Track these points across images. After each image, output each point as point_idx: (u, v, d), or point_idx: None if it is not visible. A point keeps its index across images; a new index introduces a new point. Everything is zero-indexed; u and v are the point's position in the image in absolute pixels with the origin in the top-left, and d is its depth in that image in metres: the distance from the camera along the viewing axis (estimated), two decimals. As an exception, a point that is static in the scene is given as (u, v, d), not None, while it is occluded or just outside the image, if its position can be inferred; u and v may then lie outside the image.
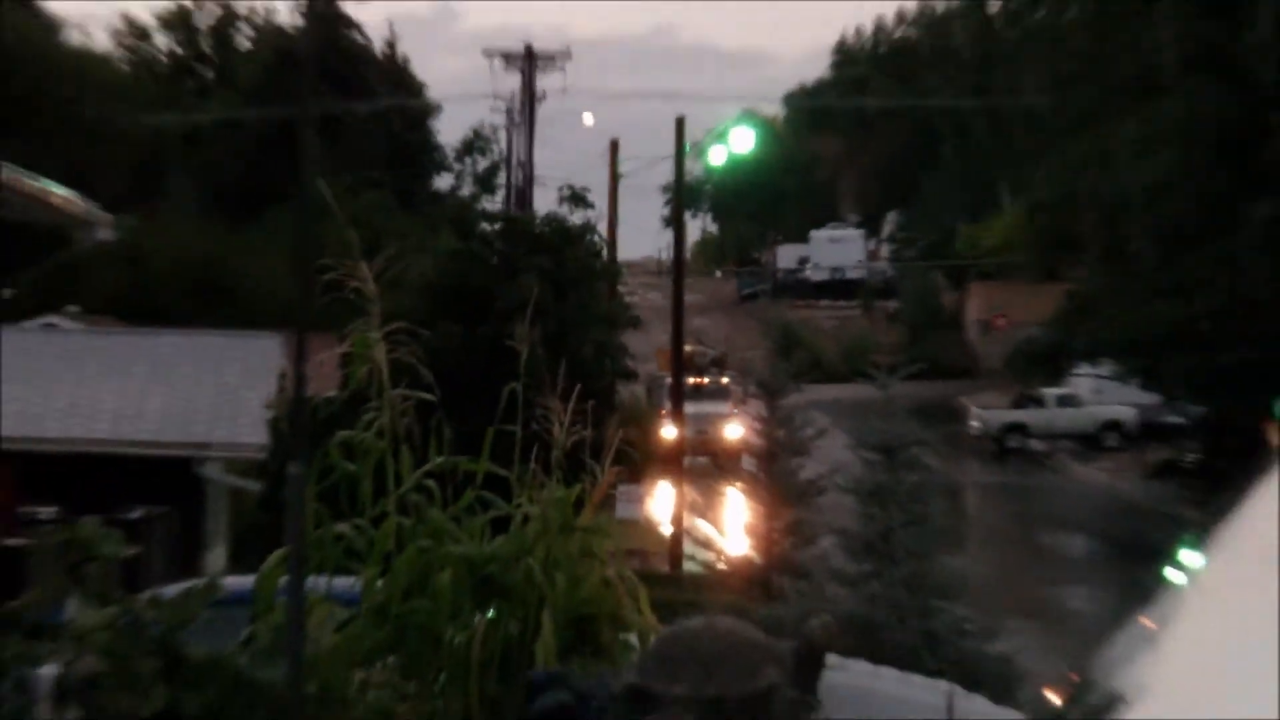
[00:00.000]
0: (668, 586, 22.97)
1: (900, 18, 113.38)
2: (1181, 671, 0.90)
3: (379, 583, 9.15)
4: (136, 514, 22.42)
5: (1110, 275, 53.80)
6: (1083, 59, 55.80)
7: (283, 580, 8.77)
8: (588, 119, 67.54)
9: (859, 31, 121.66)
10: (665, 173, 42.37)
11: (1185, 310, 47.98)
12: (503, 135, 50.80)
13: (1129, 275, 51.70)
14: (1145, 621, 0.87)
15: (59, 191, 22.88)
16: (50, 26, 51.57)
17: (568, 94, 67.50)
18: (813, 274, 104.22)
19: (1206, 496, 40.72)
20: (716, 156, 59.28)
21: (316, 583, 8.77)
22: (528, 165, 47.48)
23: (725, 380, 61.85)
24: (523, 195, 43.80)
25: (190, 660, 8.60)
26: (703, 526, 39.18)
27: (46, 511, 20.53)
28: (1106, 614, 30.83)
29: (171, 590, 9.78)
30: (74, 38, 53.86)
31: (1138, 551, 38.41)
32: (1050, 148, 62.23)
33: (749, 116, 67.43)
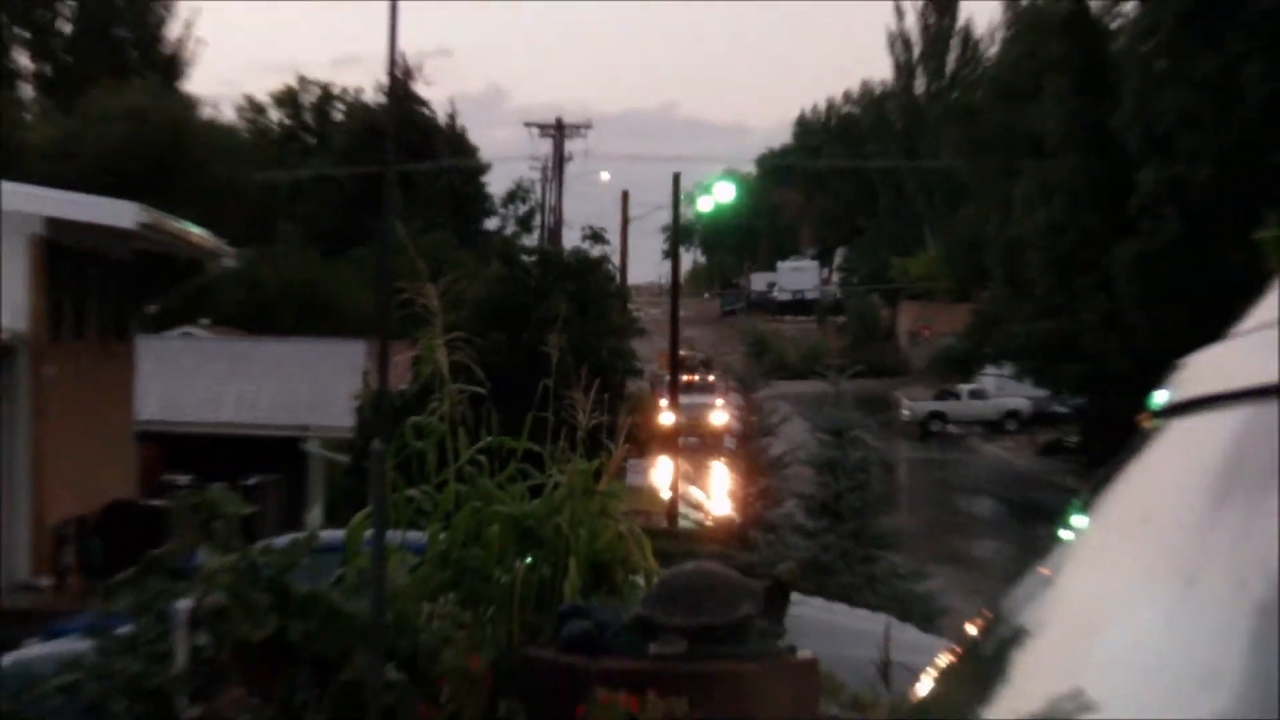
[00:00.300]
0: (666, 539, 22.91)
1: (846, 97, 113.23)
2: (1070, 609, 0.92)
3: (441, 535, 9.12)
4: (253, 481, 22.46)
5: (1010, 297, 54.01)
6: (988, 130, 56.03)
7: (366, 533, 8.80)
8: (604, 176, 67.37)
9: (815, 108, 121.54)
10: (665, 216, 42.41)
11: (1069, 326, 48.43)
12: (538, 188, 50.82)
13: (1025, 298, 51.96)
14: (1041, 569, 0.88)
15: (194, 230, 22.99)
16: (189, 104, 52.06)
17: (589, 156, 67.63)
18: (778, 295, 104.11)
19: (1086, 470, 40.70)
20: (705, 204, 59.19)
21: (393, 535, 8.79)
22: (558, 211, 47.44)
23: (711, 378, 61.76)
24: (554, 234, 43.72)
25: (295, 595, 8.61)
26: (694, 492, 39.13)
27: (183, 479, 20.54)
28: (1009, 563, 30.81)
29: (280, 540, 9.80)
30: (207, 113, 54.29)
31: (1032, 513, 38.31)
32: (964, 199, 62.88)
33: (730, 174, 67.63)
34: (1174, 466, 0.92)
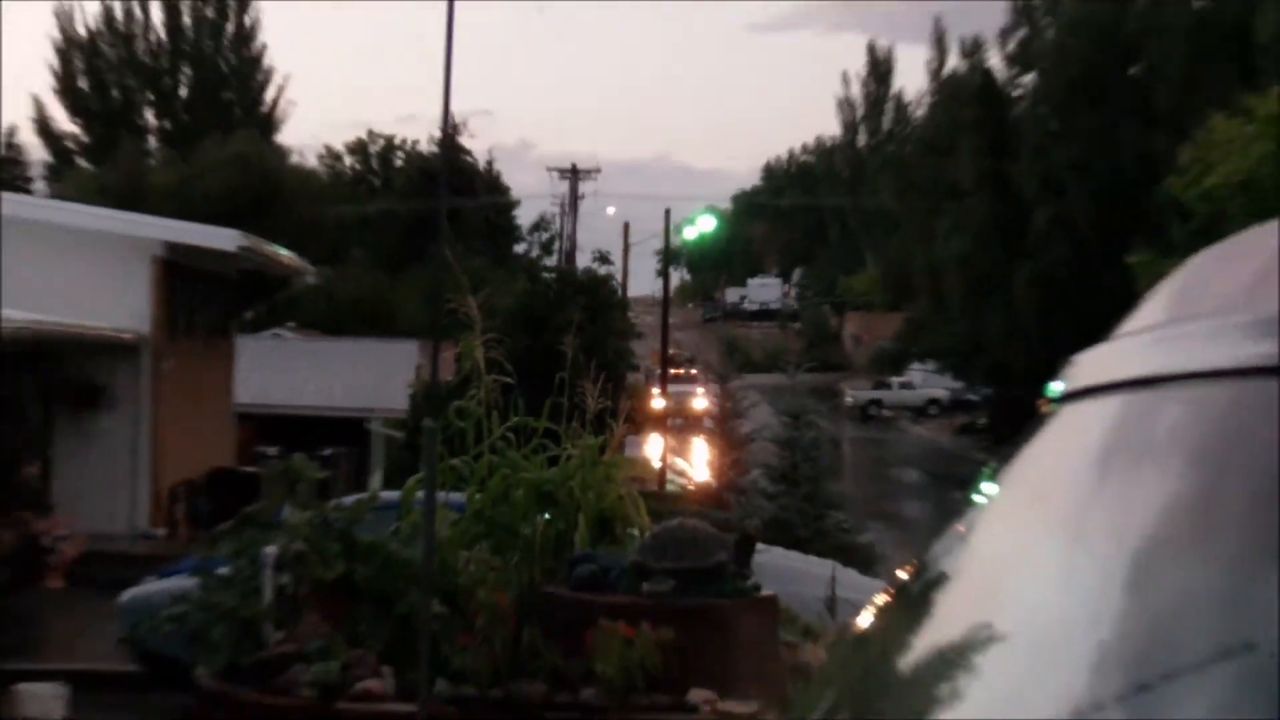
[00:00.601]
0: (657, 500, 22.84)
1: (804, 149, 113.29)
2: (981, 559, 0.91)
3: (477, 496, 9.13)
4: (328, 452, 22.41)
5: (933, 309, 54.21)
6: (916, 177, 56.16)
7: (417, 494, 8.79)
8: (610, 210, 67.90)
9: (779, 158, 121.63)
10: (658, 243, 42.49)
11: (979, 331, 48.65)
12: (557, 220, 50.86)
13: (944, 309, 52.15)
14: (958, 527, 0.87)
15: (283, 253, 23.01)
16: (281, 153, 52.44)
17: (598, 195, 67.74)
18: (748, 306, 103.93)
19: (993, 446, 40.76)
20: (690, 233, 59.22)
21: (440, 496, 8.80)
22: (572, 238, 47.30)
23: (694, 371, 61.75)
24: (569, 256, 43.59)
25: (359, 544, 8.60)
26: (679, 462, 39.09)
27: (272, 451, 20.53)
28: (931, 521, 30.81)
29: (348, 500, 9.81)
30: (294, 160, 54.58)
31: (950, 481, 38.32)
32: (896, 231, 63.05)
33: (710, 209, 67.33)
34: (1065, 443, 0.91)
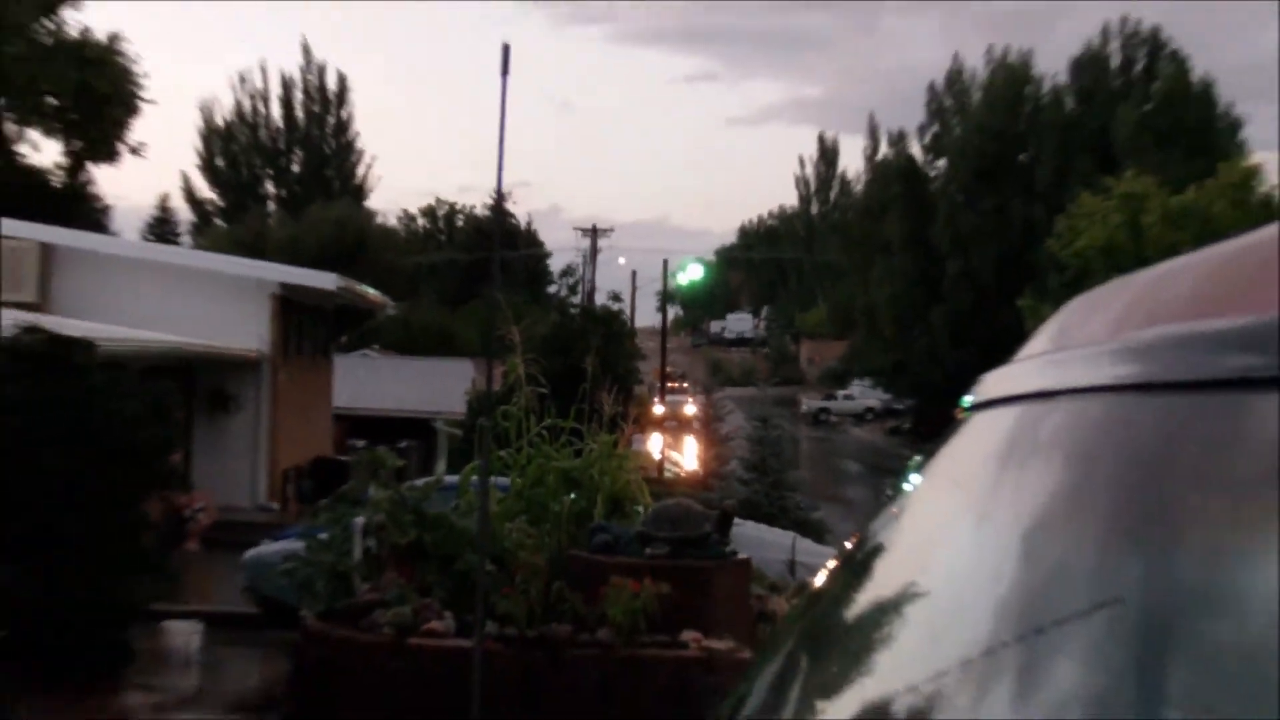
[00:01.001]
0: (656, 485, 22.83)
1: (770, 215, 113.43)
2: (911, 534, 0.91)
3: (518, 480, 9.12)
4: (403, 445, 22.33)
5: (869, 338, 54.11)
6: (856, 237, 56.12)
7: (473, 478, 8.76)
8: (621, 260, 67.29)
9: (751, 221, 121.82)
10: (658, 285, 42.52)
11: (905, 356, 48.47)
12: (581, 268, 50.91)
13: (878, 339, 52.02)
14: (891, 509, 0.86)
15: (370, 291, 22.98)
16: (369, 215, 52.38)
17: (613, 248, 67.54)
18: (727, 335, 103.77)
19: (917, 445, 40.64)
20: (683, 279, 58.93)
21: (491, 479, 8.79)
22: (592, 282, 47.27)
23: (686, 385, 61.55)
24: (590, 296, 43.59)
25: (428, 516, 8.59)
26: (674, 455, 38.96)
27: (360, 444, 20.53)
28: (869, 503, 30.72)
29: (418, 482, 9.79)
30: (379, 220, 54.49)
31: (882, 471, 38.24)
32: (841, 279, 62.90)
33: (700, 260, 67.28)
34: (975, 443, 0.91)
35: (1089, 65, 46.55)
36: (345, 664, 7.68)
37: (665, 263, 38.98)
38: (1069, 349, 0.80)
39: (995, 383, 0.88)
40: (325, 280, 19.87)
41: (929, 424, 41.86)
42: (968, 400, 0.91)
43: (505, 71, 6.07)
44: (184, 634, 10.59)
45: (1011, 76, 47.76)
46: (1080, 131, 44.90)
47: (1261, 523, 0.54)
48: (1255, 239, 0.71)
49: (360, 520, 8.71)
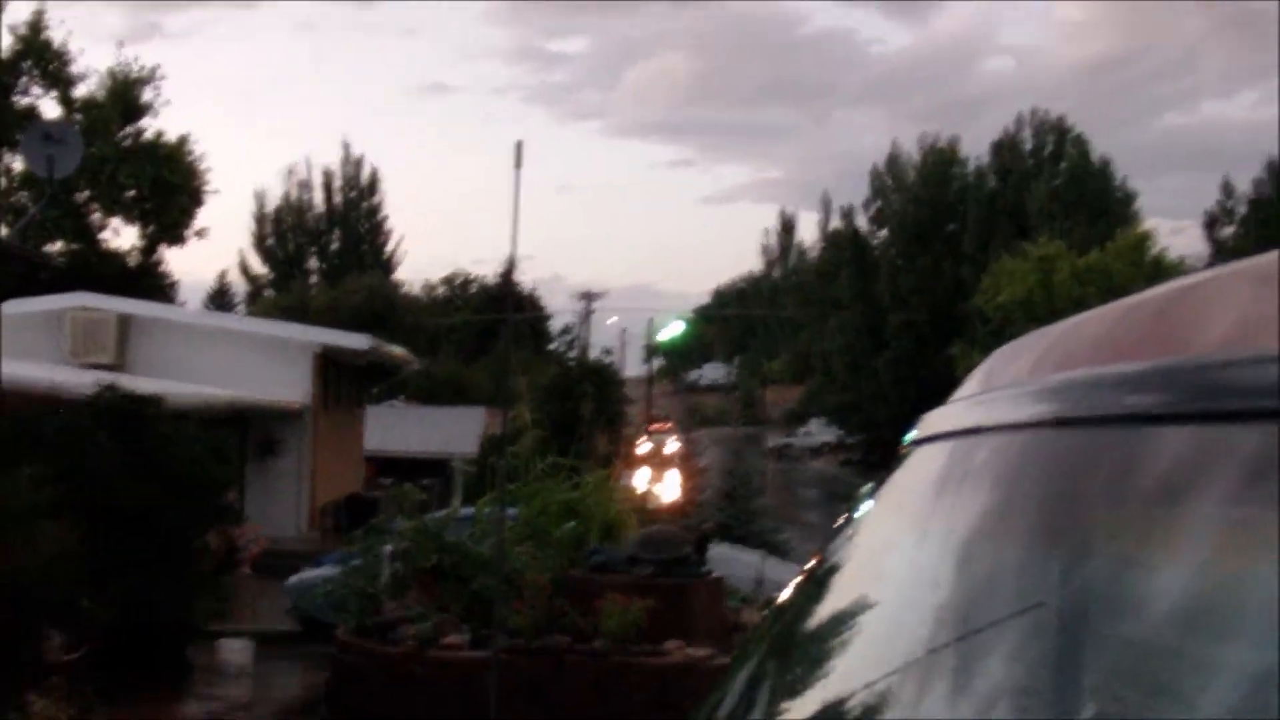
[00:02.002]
0: (642, 513, 22.68)
1: (740, 279, 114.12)
2: (863, 551, 0.90)
3: (525, 510, 9.07)
4: (426, 482, 22.08)
5: (824, 382, 54.23)
6: (812, 295, 56.44)
7: (486, 509, 8.70)
8: (612, 319, 67.47)
9: (723, 284, 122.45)
10: (643, 340, 42.56)
11: (856, 398, 48.53)
12: (577, 327, 50.88)
13: (832, 383, 52.14)
14: (846, 531, 0.86)
15: (397, 349, 22.95)
16: (396, 285, 52.98)
17: (604, 309, 67.54)
18: (703, 382, 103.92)
19: (867, 475, 40.47)
20: (665, 335, 59.12)
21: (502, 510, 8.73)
22: (586, 339, 47.40)
23: (668, 425, 61.31)
24: (585, 351, 43.61)
25: (447, 542, 8.53)
26: (657, 487, 38.71)
27: (388, 482, 20.37)
28: (827, 526, 30.49)
29: (439, 514, 9.71)
30: (405, 288, 54.93)
31: (837, 498, 38.05)
32: (800, 331, 63.23)
33: (681, 316, 67.34)
34: (917, 472, 0.91)
35: (1007, 148, 47.31)
36: (375, 673, 7.58)
37: (650, 321, 39.28)
38: (995, 390, 0.81)
39: (934, 421, 0.88)
40: (359, 341, 19.84)
41: (878, 456, 41.87)
42: (910, 436, 0.92)
43: (519, 164, 6.11)
44: (237, 650, 10.43)
45: (941, 159, 48.50)
46: (1000, 203, 45.60)
47: (1158, 536, 0.55)
48: (1150, 295, 0.72)
49: (389, 548, 8.63)
